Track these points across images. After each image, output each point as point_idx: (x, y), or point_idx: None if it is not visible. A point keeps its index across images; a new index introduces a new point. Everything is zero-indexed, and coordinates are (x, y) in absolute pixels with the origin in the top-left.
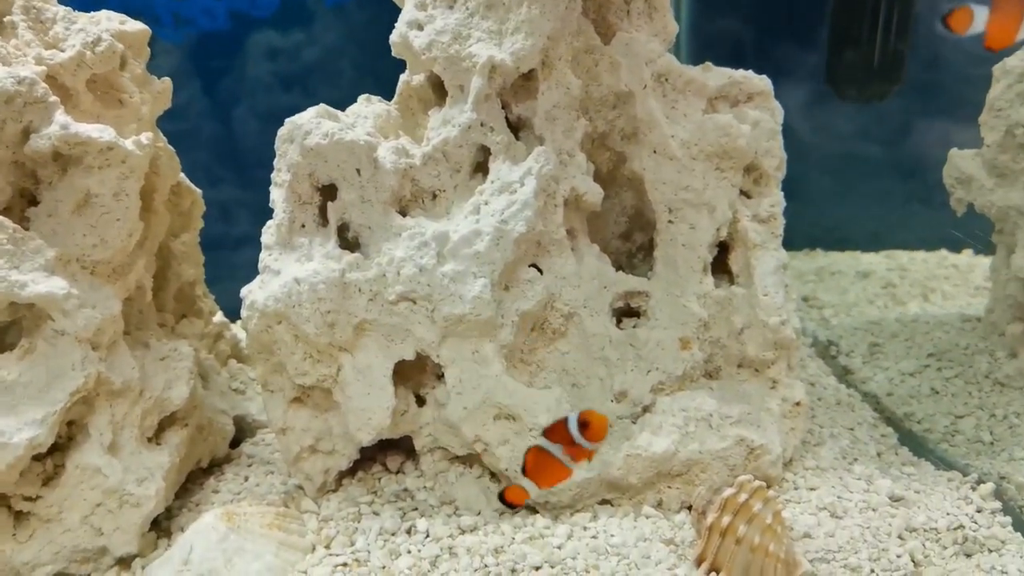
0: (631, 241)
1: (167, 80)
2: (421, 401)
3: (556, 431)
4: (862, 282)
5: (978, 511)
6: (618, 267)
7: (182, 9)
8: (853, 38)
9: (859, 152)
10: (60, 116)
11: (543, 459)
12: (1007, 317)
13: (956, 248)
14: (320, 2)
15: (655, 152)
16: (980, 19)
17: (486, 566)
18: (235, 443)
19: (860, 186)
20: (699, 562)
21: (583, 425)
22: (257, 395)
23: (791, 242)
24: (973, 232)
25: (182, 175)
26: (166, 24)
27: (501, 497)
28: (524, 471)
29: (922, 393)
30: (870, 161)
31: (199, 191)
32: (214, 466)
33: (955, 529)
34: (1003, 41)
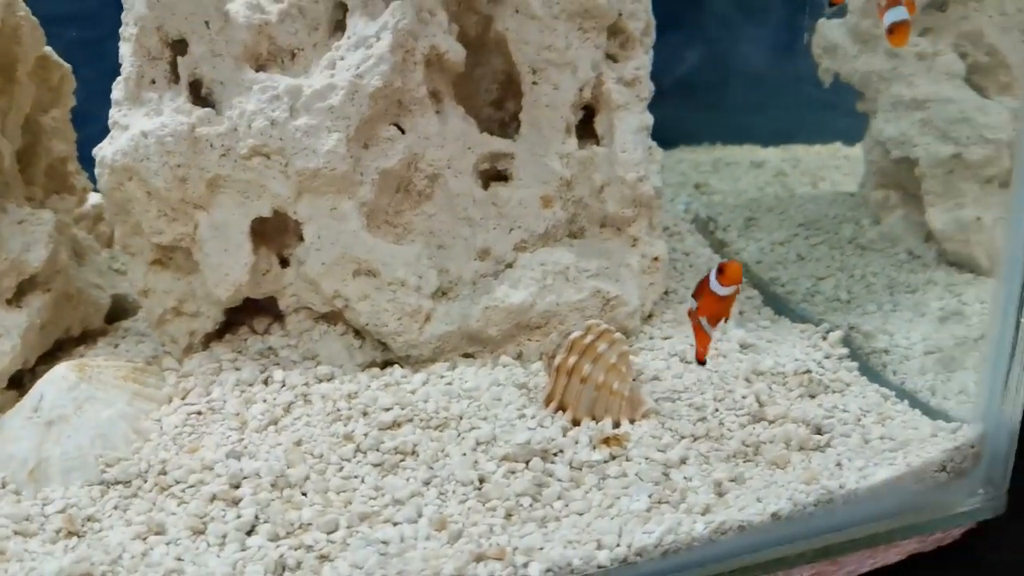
0: (503, 109)
1: None
2: (284, 262)
3: (699, 289)
4: (755, 171)
5: (826, 357)
6: (490, 134)
7: None
8: None
9: (769, 51)
10: None
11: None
12: (873, 184)
13: (851, 140)
14: None
15: (517, 11)
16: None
17: (338, 410)
18: (111, 320)
19: (768, 84)
20: (547, 402)
21: (719, 272)
22: (127, 268)
23: (694, 138)
24: None
25: (49, 49)
26: None
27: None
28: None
29: (788, 259)
30: (779, 60)
31: (68, 66)
32: (87, 337)
33: (802, 373)
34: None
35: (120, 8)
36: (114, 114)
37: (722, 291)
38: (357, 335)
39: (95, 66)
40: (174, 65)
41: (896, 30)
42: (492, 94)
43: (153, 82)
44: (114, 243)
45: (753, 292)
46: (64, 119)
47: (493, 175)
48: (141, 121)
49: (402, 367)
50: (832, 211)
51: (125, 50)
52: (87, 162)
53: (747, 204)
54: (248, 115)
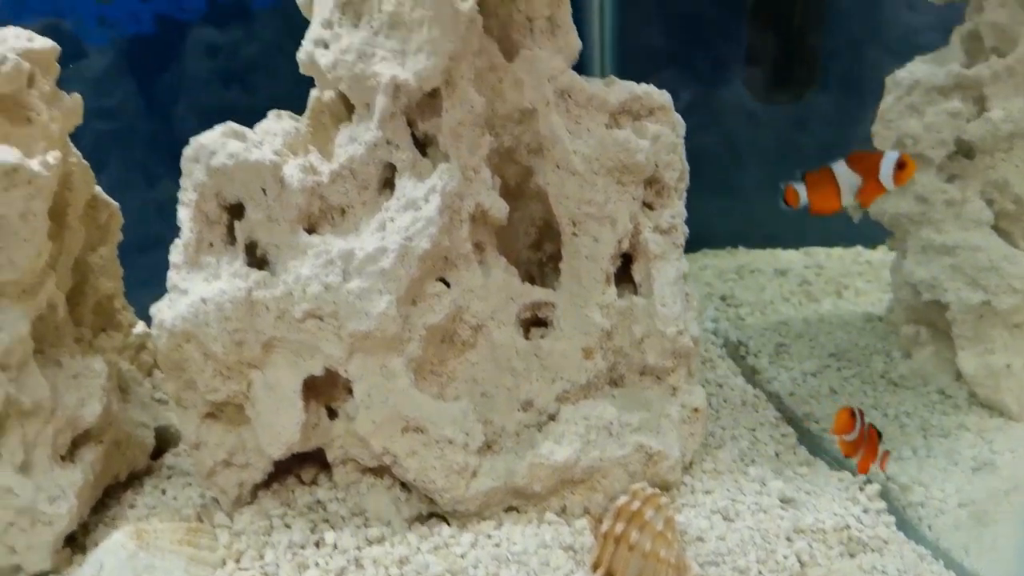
0: (541, 251)
1: (77, 96)
2: (333, 414)
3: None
4: (779, 279)
5: (864, 511)
6: (529, 276)
7: (107, 12)
8: (767, 43)
9: (782, 151)
10: None
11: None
12: (903, 318)
13: (871, 244)
14: (247, 3)
15: (558, 167)
16: (803, 194)
17: None
18: (158, 453)
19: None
20: (594, 568)
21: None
22: (177, 420)
23: (715, 240)
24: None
25: (98, 189)
26: (91, 28)
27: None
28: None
29: (821, 393)
30: (792, 160)
31: (116, 204)
32: (133, 479)
33: (841, 530)
34: (827, 208)
35: None
36: (172, 277)
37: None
38: (404, 488)
39: None
40: (231, 227)
41: (901, 170)
42: (531, 237)
43: (211, 245)
44: (158, 372)
45: (788, 429)
46: (111, 257)
47: (534, 321)
48: (200, 286)
49: (448, 523)
50: (862, 340)
51: (184, 215)
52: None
53: (776, 327)
54: (303, 280)
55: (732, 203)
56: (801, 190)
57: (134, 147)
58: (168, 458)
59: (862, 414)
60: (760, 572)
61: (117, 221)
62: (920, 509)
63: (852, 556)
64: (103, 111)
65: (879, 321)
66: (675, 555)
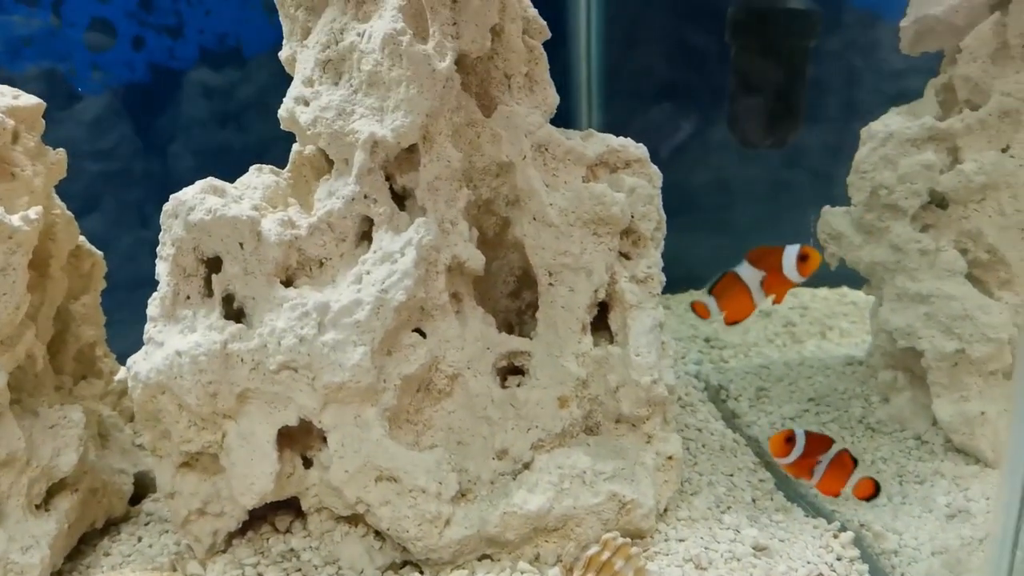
0: (520, 299)
1: (62, 151)
2: (308, 463)
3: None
4: (764, 321)
5: (838, 559)
6: (508, 325)
7: (100, 62)
8: (750, 88)
9: (771, 192)
10: None
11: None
12: (881, 363)
13: (857, 284)
14: (238, 52)
15: (534, 219)
16: (713, 308)
17: None
18: (139, 498)
19: (772, 224)
20: None
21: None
22: (154, 469)
23: (701, 281)
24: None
25: (82, 239)
26: (84, 77)
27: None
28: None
29: None
30: (781, 200)
31: (100, 253)
32: (111, 525)
33: None
34: (742, 313)
35: None
36: (149, 330)
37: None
38: (378, 536)
39: None
40: (208, 280)
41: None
42: (509, 286)
43: (188, 298)
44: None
45: (766, 475)
46: (94, 304)
47: (511, 369)
48: (175, 339)
49: (422, 572)
50: (842, 384)
51: (162, 268)
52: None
53: (758, 371)
54: (278, 332)
55: (718, 243)
56: (710, 303)
57: (127, 190)
58: (147, 504)
59: (815, 437)
60: None
61: (100, 269)
62: (894, 557)
63: None
64: (97, 154)
65: (860, 365)
66: None
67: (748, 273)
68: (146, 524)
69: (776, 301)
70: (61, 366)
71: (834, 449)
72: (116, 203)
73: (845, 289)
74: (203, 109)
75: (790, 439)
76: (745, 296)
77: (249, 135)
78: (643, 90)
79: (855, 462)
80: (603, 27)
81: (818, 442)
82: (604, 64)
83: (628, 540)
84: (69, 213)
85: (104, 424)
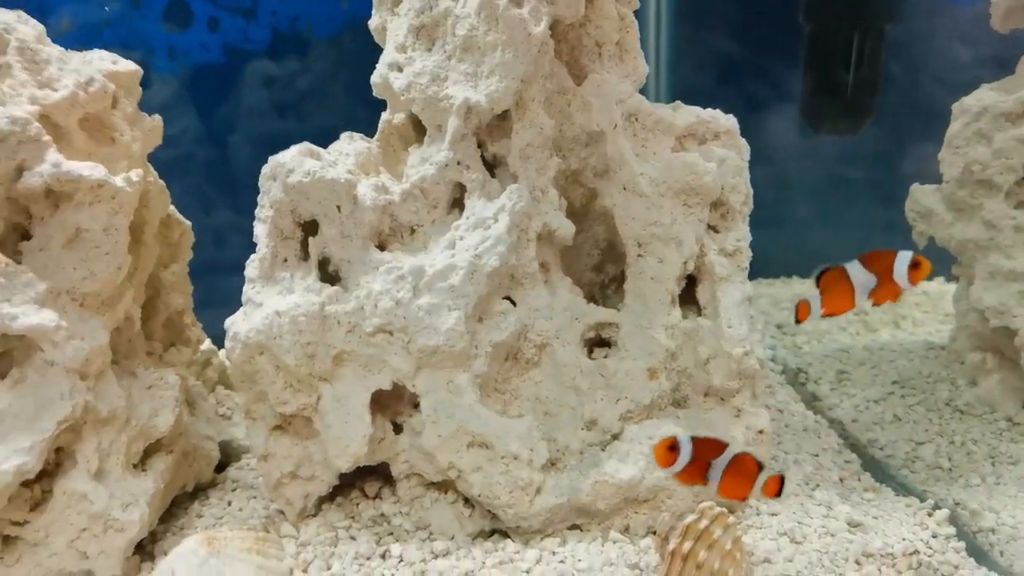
0: (604, 272)
1: (158, 118)
2: (398, 429)
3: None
4: None
5: (933, 536)
6: (591, 298)
7: (178, 43)
8: (825, 73)
9: (837, 181)
10: (52, 154)
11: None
12: (968, 346)
13: (928, 276)
14: (311, 33)
15: (625, 189)
16: (815, 304)
17: None
18: (221, 467)
19: (838, 215)
20: None
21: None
22: (243, 420)
23: (770, 270)
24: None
25: (172, 208)
26: (161, 57)
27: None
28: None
29: (885, 420)
30: (847, 190)
31: (188, 223)
32: (199, 490)
33: (910, 554)
34: (840, 309)
35: None
36: (248, 291)
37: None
38: (467, 503)
39: None
40: (304, 243)
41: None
42: (594, 259)
43: (285, 260)
44: (221, 388)
45: (852, 456)
46: (182, 273)
47: (596, 342)
48: (274, 300)
49: (512, 540)
50: (925, 368)
51: (260, 231)
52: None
53: (836, 354)
54: (375, 295)
55: (787, 233)
56: (814, 301)
57: (199, 171)
58: (232, 472)
59: (704, 442)
60: None
61: (188, 239)
62: (991, 535)
63: None
64: (170, 138)
65: (941, 350)
66: (743, 575)
67: (858, 273)
68: (233, 490)
69: (877, 303)
70: (151, 333)
71: (729, 453)
72: (189, 184)
73: None
74: (272, 90)
75: (673, 447)
76: (848, 294)
77: (329, 113)
78: (713, 72)
79: (760, 466)
80: (674, 4)
81: (708, 447)
82: (673, 43)
83: (724, 510)
84: (161, 181)
85: (191, 393)
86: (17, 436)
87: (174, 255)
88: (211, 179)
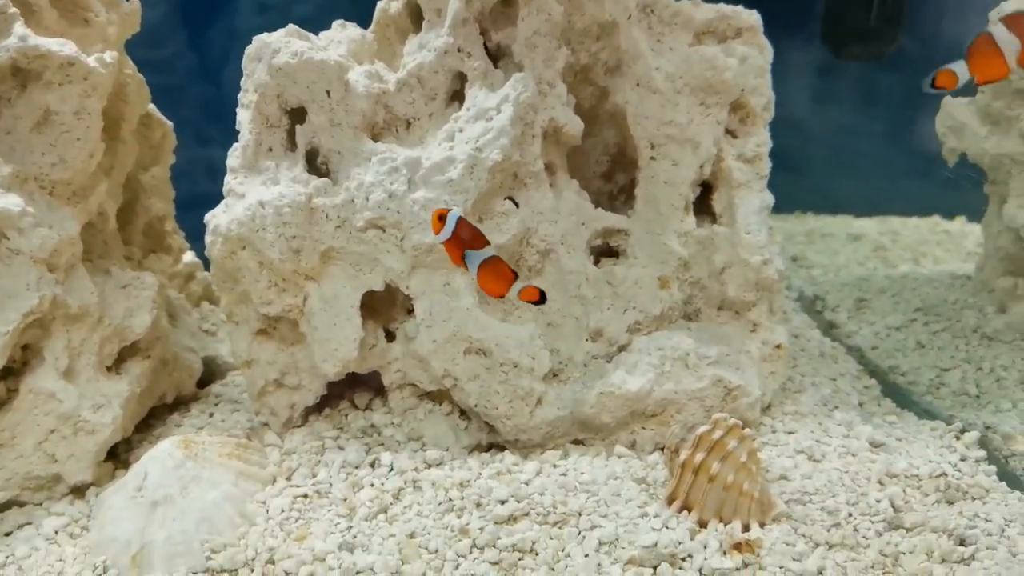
0: (613, 182)
1: (136, 1)
2: (390, 336)
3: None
4: (853, 244)
5: (962, 459)
6: (598, 207)
7: None
8: None
9: (855, 118)
10: (19, 28)
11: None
12: (998, 272)
13: (949, 215)
14: None
15: (638, 85)
16: (962, 72)
17: (450, 499)
18: (204, 384)
19: (854, 152)
20: (670, 500)
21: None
22: (228, 337)
23: (782, 206)
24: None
25: (152, 107)
26: None
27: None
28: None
29: (908, 347)
30: (865, 127)
31: (170, 124)
32: (180, 403)
33: (937, 476)
34: (995, 74)
35: None
36: (230, 181)
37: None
38: (463, 415)
39: None
40: (291, 133)
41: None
42: (602, 166)
43: (270, 150)
44: (206, 304)
45: (871, 382)
46: (164, 177)
47: (604, 251)
48: (258, 190)
49: (511, 452)
50: (951, 296)
51: (243, 117)
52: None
53: (855, 283)
54: (366, 187)
55: (800, 168)
56: (958, 68)
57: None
58: (215, 387)
59: (470, 229)
60: (851, 514)
61: (170, 142)
62: None
63: (951, 503)
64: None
65: (967, 279)
66: (759, 489)
67: (1004, 36)
68: (216, 404)
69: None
70: (130, 238)
71: (488, 251)
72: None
73: (937, 218)
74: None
75: (442, 217)
76: (999, 58)
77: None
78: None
79: (515, 274)
80: None
81: (473, 235)
82: None
83: (739, 421)
84: (140, 75)
85: (172, 305)
86: None
87: (155, 157)
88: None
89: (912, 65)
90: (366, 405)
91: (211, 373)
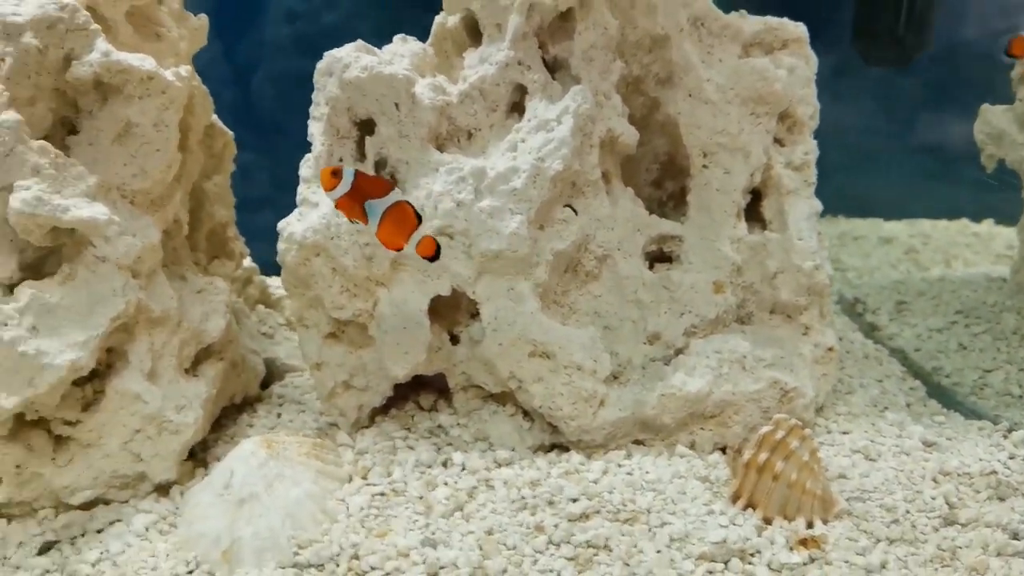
0: (662, 189)
1: (204, 17)
2: (455, 339)
3: None
4: (885, 247)
5: (1010, 457)
6: (649, 213)
7: None
8: (878, 4)
9: (883, 121)
10: (102, 43)
11: None
12: None
13: (977, 218)
14: None
15: (690, 95)
16: None
17: (523, 498)
18: (263, 385)
19: (882, 155)
20: (735, 499)
21: None
22: (285, 340)
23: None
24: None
25: (215, 116)
26: None
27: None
28: None
29: (950, 348)
30: (893, 130)
31: (231, 133)
32: (246, 404)
33: (988, 474)
34: None
35: None
36: (303, 191)
37: None
38: (526, 416)
39: None
40: (360, 144)
41: None
42: (652, 174)
43: (341, 160)
44: (261, 307)
45: (915, 383)
46: (225, 185)
47: (656, 256)
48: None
49: (577, 453)
50: (989, 298)
51: (315, 129)
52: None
53: (893, 286)
54: (435, 196)
55: (829, 171)
56: None
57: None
58: (276, 388)
59: (368, 179)
60: (908, 511)
61: (231, 150)
62: None
63: (1002, 500)
64: None
65: (1003, 282)
66: (821, 487)
67: None
68: (280, 404)
69: None
70: (195, 244)
71: (392, 197)
72: None
73: (966, 221)
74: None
75: (336, 173)
76: None
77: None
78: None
79: (419, 218)
80: None
81: (371, 184)
82: None
83: (799, 422)
84: (204, 87)
85: (234, 308)
86: (70, 331)
87: (217, 165)
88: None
89: (940, 70)
90: (431, 406)
91: (270, 374)
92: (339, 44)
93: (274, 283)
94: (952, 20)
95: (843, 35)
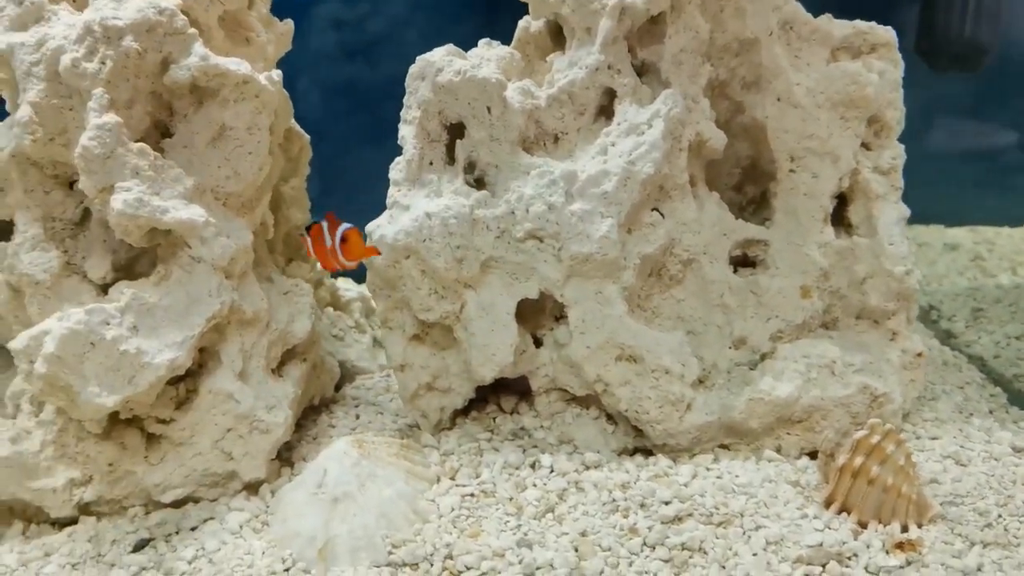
0: (743, 193)
1: (289, 22)
2: (538, 342)
3: None
4: (951, 254)
5: None
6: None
7: None
8: (945, 6)
9: (945, 127)
10: (199, 47)
11: None
12: None
13: None
14: None
15: (779, 100)
16: None
17: (614, 500)
18: (336, 388)
19: (945, 161)
20: (828, 503)
21: None
22: (355, 342)
23: None
24: None
25: (293, 120)
26: None
27: None
28: None
29: None
30: (956, 136)
31: (307, 137)
32: (323, 405)
33: None
34: None
35: None
36: (394, 194)
37: None
38: (610, 420)
39: None
40: (450, 147)
41: None
42: (734, 178)
43: (431, 164)
44: (330, 309)
45: (996, 390)
46: (301, 188)
47: (740, 261)
48: (423, 202)
49: (663, 456)
50: None
51: (407, 132)
52: None
53: (967, 293)
54: (526, 199)
55: None
56: None
57: None
58: (348, 390)
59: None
60: (1000, 515)
61: (307, 154)
62: None
63: None
64: None
65: None
66: (916, 492)
67: None
68: (356, 405)
69: None
70: (273, 247)
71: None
72: None
73: None
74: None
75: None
76: None
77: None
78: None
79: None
80: None
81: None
82: None
83: (893, 426)
84: (285, 92)
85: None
86: (168, 331)
87: (294, 169)
88: None
89: (1005, 77)
90: (512, 409)
91: (341, 377)
92: (384, 52)
93: (342, 285)
94: (1020, 26)
95: (909, 43)
